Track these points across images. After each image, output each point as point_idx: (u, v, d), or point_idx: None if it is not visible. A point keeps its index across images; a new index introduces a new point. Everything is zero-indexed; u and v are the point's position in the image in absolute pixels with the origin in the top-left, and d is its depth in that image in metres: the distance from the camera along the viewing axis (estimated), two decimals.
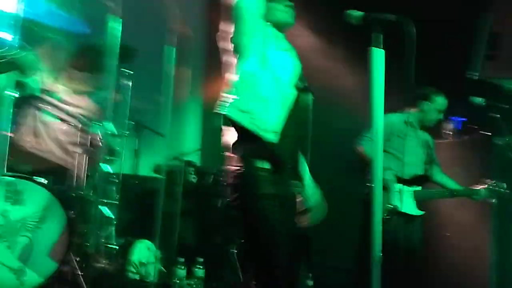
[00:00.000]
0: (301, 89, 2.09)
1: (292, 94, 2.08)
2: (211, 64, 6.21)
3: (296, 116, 2.05)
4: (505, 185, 3.57)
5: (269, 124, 1.97)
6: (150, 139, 4.54)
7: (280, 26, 2.16)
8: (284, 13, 2.14)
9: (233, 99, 2.00)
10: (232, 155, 2.04)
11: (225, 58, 2.15)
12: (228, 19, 2.09)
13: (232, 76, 2.08)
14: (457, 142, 4.68)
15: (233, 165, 2.02)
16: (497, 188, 3.57)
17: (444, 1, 4.55)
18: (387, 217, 3.38)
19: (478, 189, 3.64)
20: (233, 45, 2.08)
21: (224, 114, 2.03)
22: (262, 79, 2.01)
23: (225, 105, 2.02)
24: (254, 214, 1.98)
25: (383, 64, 1.95)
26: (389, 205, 3.49)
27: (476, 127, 4.59)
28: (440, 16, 4.47)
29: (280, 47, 2.13)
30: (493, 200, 3.59)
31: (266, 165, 1.98)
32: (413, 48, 1.95)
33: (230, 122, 2.02)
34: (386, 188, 3.43)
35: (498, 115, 3.17)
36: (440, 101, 3.67)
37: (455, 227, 4.53)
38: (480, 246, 4.31)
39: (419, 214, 3.64)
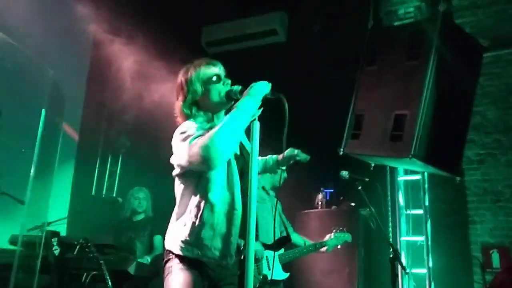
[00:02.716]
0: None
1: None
2: (87, 128, 5.94)
3: None
4: (345, 230, 3.96)
5: None
6: (7, 206, 4.04)
7: None
8: None
9: None
10: None
11: None
12: None
13: None
14: (326, 212, 4.96)
15: None
16: (341, 234, 3.91)
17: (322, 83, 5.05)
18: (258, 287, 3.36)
19: (328, 240, 3.90)
20: None
21: None
22: None
23: None
24: None
25: (258, 134, 2.06)
26: (261, 275, 3.46)
27: (342, 198, 4.95)
28: (320, 96, 4.92)
29: None
30: (339, 246, 3.92)
31: None
32: (286, 124, 2.08)
33: None
34: (256, 259, 3.41)
35: (361, 188, 3.42)
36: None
37: None
38: None
39: (285, 277, 3.69)
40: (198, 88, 2.27)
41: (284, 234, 3.78)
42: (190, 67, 2.32)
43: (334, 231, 3.96)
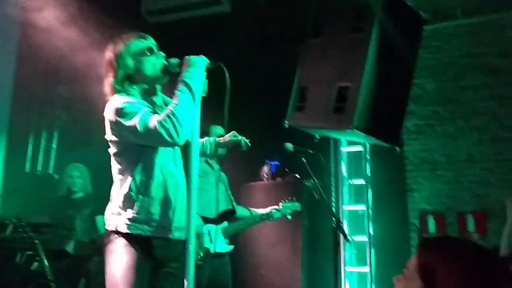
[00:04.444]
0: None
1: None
2: (19, 102, 5.57)
3: None
4: (295, 199, 3.96)
5: None
6: None
7: None
8: None
9: None
10: None
11: None
12: None
13: None
14: (272, 184, 5.00)
15: None
16: (290, 204, 3.92)
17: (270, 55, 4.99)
18: (200, 261, 3.33)
19: (276, 208, 3.89)
20: None
21: None
22: None
23: None
24: None
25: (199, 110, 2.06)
26: (203, 249, 3.43)
27: (287, 170, 4.99)
28: (265, 69, 4.86)
29: None
30: (289, 216, 3.92)
31: None
32: (228, 93, 2.06)
33: None
34: (197, 234, 3.36)
35: (305, 160, 3.44)
36: (215, 129, 3.78)
37: (269, 265, 4.73)
38: (292, 282, 4.59)
39: (229, 250, 3.69)
40: (130, 62, 2.15)
41: (230, 207, 3.76)
42: (118, 41, 2.20)
43: (282, 201, 3.95)
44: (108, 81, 2.16)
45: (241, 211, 3.90)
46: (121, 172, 2.12)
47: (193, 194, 2.01)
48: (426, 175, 5.08)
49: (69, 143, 5.74)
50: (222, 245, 3.62)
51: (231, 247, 3.70)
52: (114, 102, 2.07)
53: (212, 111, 2.20)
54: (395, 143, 3.71)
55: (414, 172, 5.13)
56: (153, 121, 1.95)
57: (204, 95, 2.09)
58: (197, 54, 2.13)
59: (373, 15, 3.42)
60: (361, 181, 4.90)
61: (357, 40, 3.49)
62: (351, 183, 4.98)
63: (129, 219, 2.05)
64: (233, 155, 3.83)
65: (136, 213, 2.05)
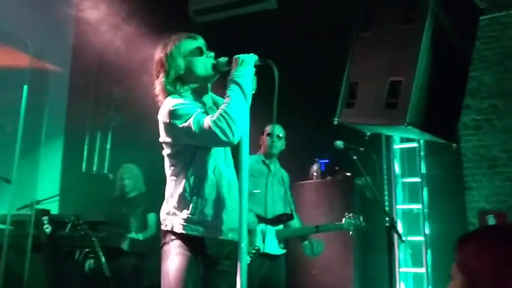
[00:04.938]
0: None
1: None
2: (74, 103, 5.80)
3: None
4: (361, 217, 3.77)
5: None
6: None
7: None
8: None
9: None
10: None
11: None
12: None
13: None
14: (321, 182, 4.92)
15: None
16: (353, 221, 3.74)
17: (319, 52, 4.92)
18: (251, 258, 3.33)
19: (340, 223, 3.75)
20: None
21: None
22: None
23: None
24: None
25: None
26: (254, 247, 3.43)
27: (337, 168, 4.90)
28: (313, 65, 4.80)
29: None
30: (351, 232, 3.77)
31: None
32: (276, 91, 2.02)
33: None
34: (249, 231, 3.37)
35: (356, 157, 3.36)
36: (274, 128, 3.71)
37: (321, 265, 4.66)
38: (345, 282, 4.50)
39: (282, 253, 3.63)
40: (181, 62, 2.17)
41: (288, 211, 3.72)
42: (169, 42, 2.21)
43: (345, 217, 3.78)
44: (160, 82, 2.18)
45: (296, 222, 3.82)
46: (175, 173, 2.13)
47: (244, 193, 1.99)
48: (485, 172, 4.83)
49: (122, 143, 5.92)
50: (274, 247, 3.58)
51: (283, 251, 3.64)
52: (168, 104, 2.09)
53: (262, 108, 2.18)
54: (451, 139, 3.55)
55: (472, 169, 4.89)
56: (207, 121, 1.96)
57: (254, 92, 2.07)
58: (245, 52, 2.12)
59: (426, 5, 3.28)
60: (416, 179, 4.73)
61: (410, 32, 3.35)
62: (405, 181, 4.82)
63: (184, 219, 2.07)
64: (283, 153, 3.80)
65: (190, 214, 2.07)
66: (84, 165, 5.96)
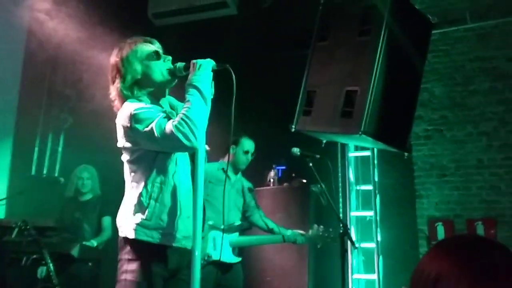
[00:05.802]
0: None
1: None
2: (25, 103, 5.58)
3: None
4: (331, 230, 3.69)
5: None
6: None
7: None
8: None
9: None
10: None
11: None
12: None
13: None
14: (278, 189, 4.95)
15: None
16: (326, 234, 3.68)
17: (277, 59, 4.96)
18: (201, 265, 3.29)
19: (306, 234, 3.74)
20: None
21: None
22: None
23: None
24: None
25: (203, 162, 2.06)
26: (205, 254, 3.38)
27: (294, 175, 4.95)
28: (272, 72, 4.84)
29: None
30: (319, 245, 3.74)
31: None
32: (234, 95, 2.04)
33: None
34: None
35: (311, 165, 3.41)
36: (246, 143, 3.80)
37: (275, 271, 4.69)
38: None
39: (236, 262, 3.61)
40: (138, 67, 2.13)
41: (249, 218, 3.73)
42: (124, 46, 2.17)
43: (312, 229, 3.74)
44: (116, 87, 2.13)
45: (264, 223, 3.81)
46: (135, 178, 2.08)
47: (199, 201, 1.98)
48: (435, 181, 5.01)
49: (75, 146, 5.74)
50: (228, 255, 3.56)
51: (238, 259, 3.62)
52: (129, 108, 2.03)
53: (219, 114, 2.17)
54: (404, 148, 3.66)
55: (423, 178, 5.07)
56: (169, 126, 1.93)
57: (211, 97, 2.06)
58: (203, 57, 2.11)
59: (380, 18, 3.38)
60: (369, 187, 4.85)
61: (365, 43, 3.45)
62: (358, 188, 4.92)
63: (137, 224, 2.01)
64: None
65: (146, 219, 2.01)
66: (33, 168, 5.73)
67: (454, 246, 1.14)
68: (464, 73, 5.08)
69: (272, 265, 4.69)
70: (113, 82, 2.14)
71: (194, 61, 2.08)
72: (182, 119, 1.93)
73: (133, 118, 2.00)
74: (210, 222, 3.43)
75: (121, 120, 2.05)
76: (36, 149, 5.80)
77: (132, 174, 2.09)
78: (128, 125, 2.01)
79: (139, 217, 2.02)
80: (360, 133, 3.18)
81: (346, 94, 3.38)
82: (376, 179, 4.84)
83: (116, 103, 2.14)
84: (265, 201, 4.82)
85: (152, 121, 1.96)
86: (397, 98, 3.53)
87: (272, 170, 5.01)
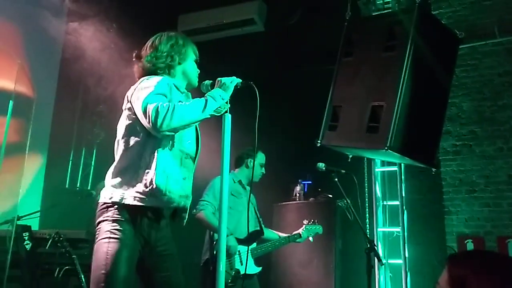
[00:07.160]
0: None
1: None
2: (59, 119, 5.79)
3: None
4: (316, 223, 3.95)
5: None
6: None
7: None
8: None
9: None
10: None
11: None
12: None
13: None
14: (304, 204, 4.96)
15: None
16: (312, 227, 3.89)
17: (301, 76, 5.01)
18: (231, 283, 3.33)
19: (299, 233, 3.86)
20: None
21: None
22: None
23: None
24: None
25: (229, 127, 2.09)
26: (234, 270, 3.42)
27: (320, 190, 4.95)
28: (298, 87, 4.89)
29: None
30: (311, 239, 3.90)
31: None
32: (258, 111, 2.09)
33: None
34: (228, 254, 3.36)
35: (337, 180, 3.41)
36: (262, 156, 3.83)
37: (301, 286, 4.66)
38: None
39: (257, 271, 3.65)
40: (187, 58, 2.32)
41: (258, 228, 3.75)
42: (178, 35, 2.37)
43: (305, 223, 3.93)
44: (155, 60, 2.25)
45: (268, 233, 3.86)
46: (130, 145, 2.14)
47: (224, 213, 2.01)
48: (464, 197, 4.92)
49: (107, 160, 5.88)
50: (251, 267, 3.59)
51: (259, 269, 3.66)
52: (157, 79, 2.16)
53: (246, 127, 2.23)
54: (431, 163, 3.63)
55: (452, 194, 4.98)
56: (155, 104, 2.00)
57: (221, 114, 2.13)
58: (230, 73, 2.19)
59: (406, 33, 3.40)
60: (396, 202, 4.79)
61: (390, 59, 3.46)
62: (385, 204, 4.88)
63: (136, 191, 2.07)
64: (266, 174, 3.84)
65: (146, 184, 2.06)
66: (67, 181, 5.91)
67: (478, 254, 1.16)
68: (493, 87, 5.00)
69: (297, 279, 4.67)
70: (155, 58, 2.26)
71: (219, 78, 2.19)
72: (168, 105, 2.00)
73: (153, 86, 2.10)
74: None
75: (144, 83, 2.14)
76: (70, 162, 5.99)
77: (126, 138, 2.16)
78: (146, 86, 2.11)
79: (136, 183, 2.07)
80: (386, 148, 3.18)
81: (371, 109, 3.39)
82: (403, 194, 4.79)
83: (139, 69, 2.29)
84: (290, 216, 4.84)
85: (159, 95, 2.07)
86: (424, 113, 3.51)
87: (298, 185, 5.03)
